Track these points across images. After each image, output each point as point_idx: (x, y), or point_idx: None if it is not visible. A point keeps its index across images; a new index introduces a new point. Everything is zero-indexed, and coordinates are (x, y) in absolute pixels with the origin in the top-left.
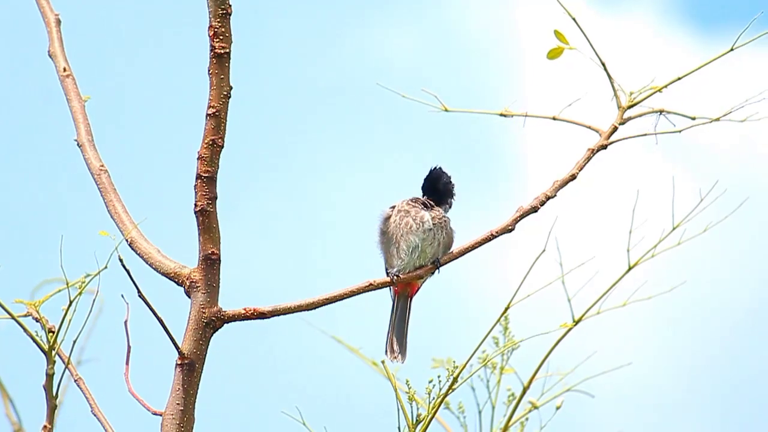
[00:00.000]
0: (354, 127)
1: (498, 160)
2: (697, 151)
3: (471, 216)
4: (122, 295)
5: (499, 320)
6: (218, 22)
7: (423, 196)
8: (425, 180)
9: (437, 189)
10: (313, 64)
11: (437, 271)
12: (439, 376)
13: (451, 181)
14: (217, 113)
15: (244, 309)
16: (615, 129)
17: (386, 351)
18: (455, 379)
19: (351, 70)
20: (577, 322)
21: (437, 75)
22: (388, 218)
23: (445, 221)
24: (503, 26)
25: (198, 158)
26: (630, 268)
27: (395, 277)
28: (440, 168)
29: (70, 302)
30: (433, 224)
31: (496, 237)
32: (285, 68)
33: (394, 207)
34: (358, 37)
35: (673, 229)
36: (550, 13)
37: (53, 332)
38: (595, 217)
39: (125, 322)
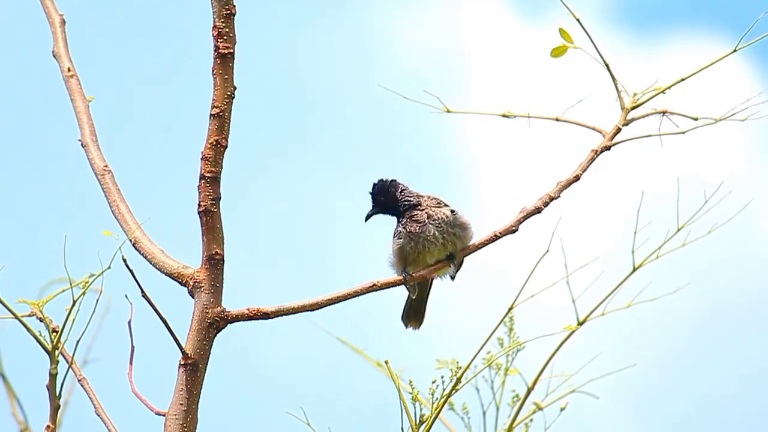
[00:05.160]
0: (357, 128)
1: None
2: (702, 152)
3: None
4: (126, 296)
5: (503, 321)
6: (222, 22)
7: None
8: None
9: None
10: (316, 65)
11: (452, 266)
12: (442, 377)
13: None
14: (220, 113)
15: (248, 309)
16: (618, 130)
17: (404, 323)
18: (459, 380)
19: (352, 70)
20: (581, 324)
21: (441, 78)
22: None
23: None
24: (447, 31)
25: (202, 158)
26: (635, 270)
27: (407, 276)
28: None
29: (74, 302)
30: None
31: (499, 238)
32: (289, 69)
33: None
34: (358, 38)
35: (678, 230)
36: (494, 14)
37: (57, 332)
38: (600, 219)
39: (129, 322)
